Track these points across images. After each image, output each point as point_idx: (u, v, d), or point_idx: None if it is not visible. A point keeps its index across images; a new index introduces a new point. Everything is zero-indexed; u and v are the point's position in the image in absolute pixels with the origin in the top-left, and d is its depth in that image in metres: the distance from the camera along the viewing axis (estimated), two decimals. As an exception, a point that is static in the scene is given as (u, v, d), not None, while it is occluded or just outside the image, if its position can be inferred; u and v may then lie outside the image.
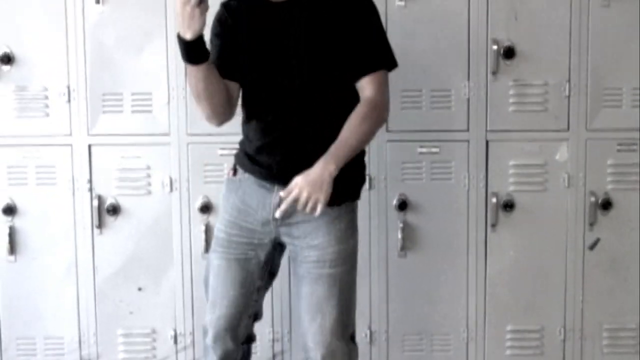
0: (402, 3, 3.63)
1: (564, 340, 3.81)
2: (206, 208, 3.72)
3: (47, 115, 3.70)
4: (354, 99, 2.86)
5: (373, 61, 2.86)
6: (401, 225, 3.73)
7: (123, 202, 3.74)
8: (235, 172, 2.98)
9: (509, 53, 3.64)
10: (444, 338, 3.82)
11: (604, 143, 3.72)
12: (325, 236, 2.87)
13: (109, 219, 3.74)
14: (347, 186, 2.87)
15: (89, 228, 3.75)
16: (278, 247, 3.00)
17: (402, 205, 3.72)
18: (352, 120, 2.79)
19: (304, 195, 2.71)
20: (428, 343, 3.82)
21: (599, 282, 3.79)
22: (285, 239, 2.94)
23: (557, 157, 3.72)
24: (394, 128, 3.66)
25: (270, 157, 2.87)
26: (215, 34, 2.91)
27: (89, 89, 3.68)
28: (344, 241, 2.91)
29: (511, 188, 3.73)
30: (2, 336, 3.84)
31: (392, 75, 3.56)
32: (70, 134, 3.71)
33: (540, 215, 3.75)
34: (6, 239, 3.75)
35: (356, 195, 2.96)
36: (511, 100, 3.68)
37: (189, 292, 3.77)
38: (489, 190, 3.72)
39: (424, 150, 3.72)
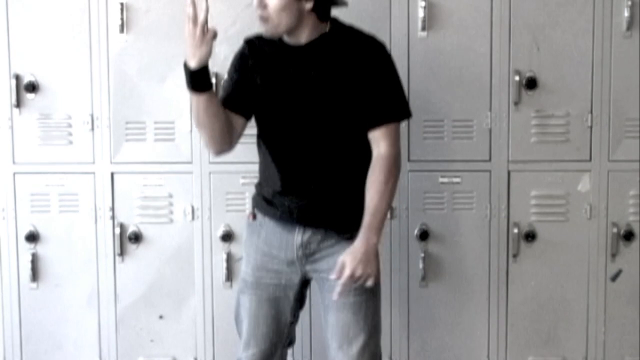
0: (424, 34, 3.64)
1: (586, 372, 3.81)
2: (228, 236, 3.72)
3: (71, 143, 3.73)
4: (368, 141, 2.88)
5: (388, 113, 2.86)
6: (422, 255, 3.72)
7: (145, 230, 3.76)
8: (254, 216, 3.02)
9: (531, 83, 3.64)
10: (465, 368, 3.82)
11: (626, 174, 3.71)
12: None
13: (130, 247, 3.76)
14: (361, 216, 2.86)
15: (111, 256, 3.76)
16: (305, 282, 3.04)
17: (424, 235, 3.71)
18: (377, 185, 2.82)
19: (358, 273, 2.76)
20: (449, 373, 3.82)
21: (621, 314, 3.77)
22: (311, 274, 2.98)
23: (579, 187, 3.72)
24: (415, 158, 3.66)
25: (288, 200, 2.90)
26: (234, 67, 2.96)
27: (112, 117, 3.70)
28: None
29: (533, 218, 3.72)
30: (23, 363, 3.86)
31: (415, 105, 3.57)
32: (93, 162, 3.73)
33: (562, 245, 3.74)
34: (29, 265, 3.76)
35: None
36: (533, 130, 3.68)
37: (210, 320, 3.77)
38: (511, 221, 3.72)
39: (445, 180, 3.72)
